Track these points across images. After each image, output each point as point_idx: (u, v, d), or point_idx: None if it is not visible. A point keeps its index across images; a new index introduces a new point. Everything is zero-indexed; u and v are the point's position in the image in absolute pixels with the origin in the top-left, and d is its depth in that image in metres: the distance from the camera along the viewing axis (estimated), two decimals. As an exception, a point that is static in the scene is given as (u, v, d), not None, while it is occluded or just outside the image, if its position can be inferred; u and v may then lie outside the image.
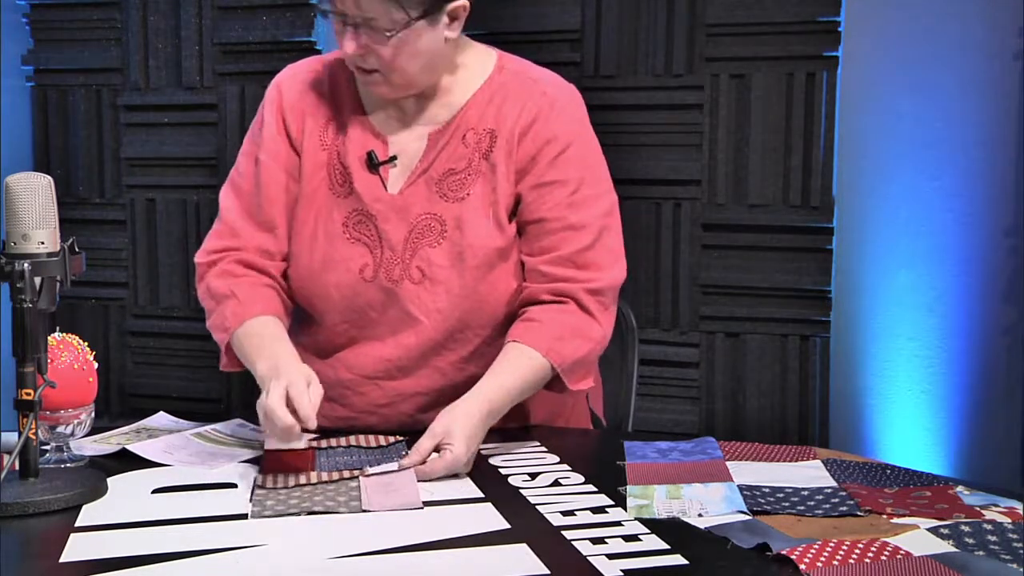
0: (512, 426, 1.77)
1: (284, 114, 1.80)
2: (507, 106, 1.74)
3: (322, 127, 1.78)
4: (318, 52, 3.05)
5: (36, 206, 1.43)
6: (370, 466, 1.56)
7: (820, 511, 1.38)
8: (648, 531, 1.32)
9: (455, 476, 1.54)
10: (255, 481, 1.51)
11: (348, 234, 1.75)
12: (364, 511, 1.40)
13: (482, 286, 1.72)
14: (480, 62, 1.78)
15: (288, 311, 1.79)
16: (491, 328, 1.74)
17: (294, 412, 1.51)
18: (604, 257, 1.74)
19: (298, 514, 1.39)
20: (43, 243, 1.43)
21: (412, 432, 1.61)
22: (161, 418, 1.86)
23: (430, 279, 1.72)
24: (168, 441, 1.69)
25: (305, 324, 1.82)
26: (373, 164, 1.75)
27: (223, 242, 1.78)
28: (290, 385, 1.53)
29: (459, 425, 1.56)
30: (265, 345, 1.67)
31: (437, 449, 1.55)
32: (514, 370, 1.66)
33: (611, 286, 1.74)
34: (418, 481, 1.51)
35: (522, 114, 1.74)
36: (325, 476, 1.53)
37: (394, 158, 1.75)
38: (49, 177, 1.46)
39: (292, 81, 1.82)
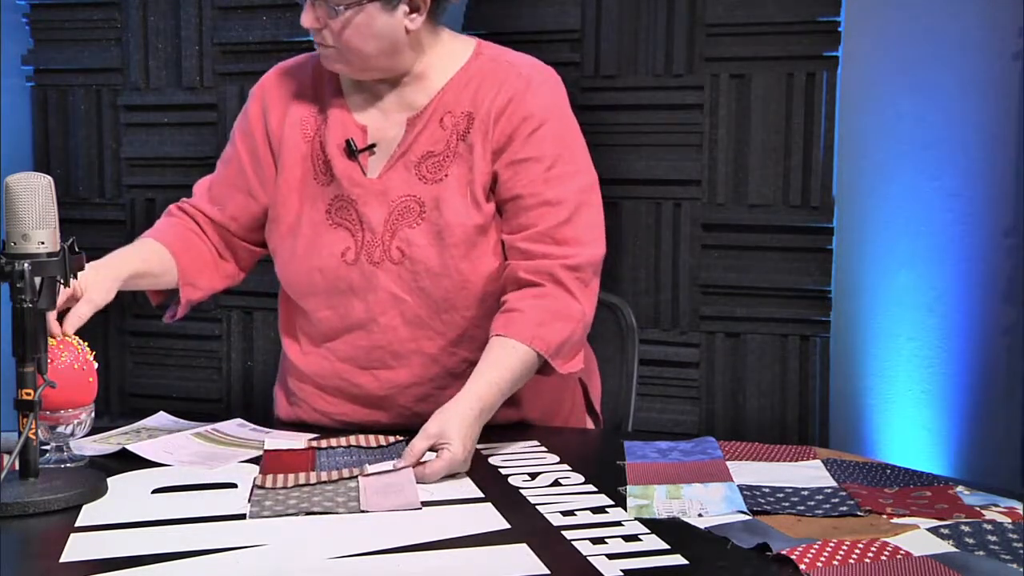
0: (507, 420, 1.78)
1: (265, 107, 1.86)
2: (484, 88, 1.76)
3: (304, 118, 1.83)
4: (318, 52, 3.04)
5: (36, 206, 1.43)
6: (370, 465, 1.56)
7: (820, 511, 1.38)
8: (648, 531, 1.32)
9: (454, 476, 1.54)
10: (255, 481, 1.51)
11: (331, 220, 1.78)
12: (363, 511, 1.40)
13: (463, 264, 1.73)
14: (458, 49, 1.81)
15: (193, 248, 1.87)
16: (475, 308, 1.75)
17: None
18: (582, 233, 1.74)
19: (296, 515, 1.39)
20: (43, 243, 1.43)
21: (413, 431, 1.61)
22: (161, 418, 1.86)
23: (410, 259, 1.74)
24: (168, 441, 1.69)
25: (300, 313, 1.85)
26: (352, 151, 1.77)
27: (189, 198, 1.92)
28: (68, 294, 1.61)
29: (453, 424, 1.56)
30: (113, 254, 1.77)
31: (433, 450, 1.55)
32: (501, 364, 1.66)
33: (590, 262, 1.74)
34: (418, 483, 1.51)
35: (498, 95, 1.75)
36: (325, 476, 1.53)
37: (373, 146, 1.78)
38: (49, 177, 1.46)
39: (278, 75, 1.88)
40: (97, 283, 1.65)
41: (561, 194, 1.73)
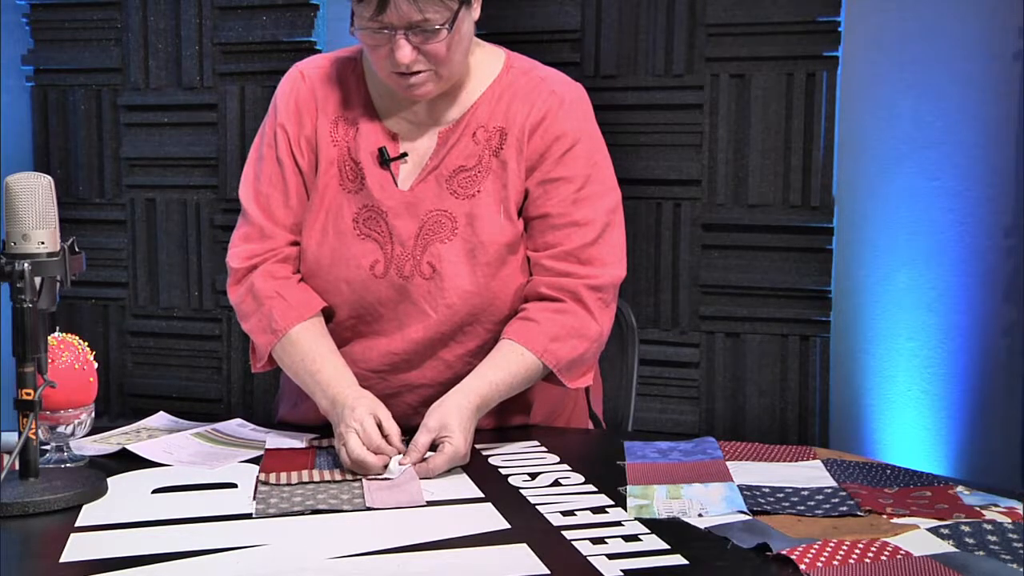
0: (513, 424, 1.79)
1: (300, 108, 1.79)
2: (516, 104, 1.75)
3: (332, 123, 1.79)
4: (318, 52, 3.04)
5: (36, 206, 1.43)
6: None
7: (820, 511, 1.38)
8: (648, 531, 1.32)
9: (455, 472, 1.55)
10: (258, 477, 1.51)
11: (358, 230, 1.75)
12: (368, 508, 1.40)
13: (494, 283, 1.72)
14: (489, 61, 1.79)
15: (315, 298, 1.78)
16: (499, 323, 1.75)
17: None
18: (607, 253, 1.75)
19: (302, 512, 1.39)
20: (43, 243, 1.43)
21: (412, 430, 1.61)
22: (161, 418, 1.86)
23: (440, 274, 1.72)
24: (168, 441, 1.69)
25: None
26: (385, 160, 1.75)
27: (257, 245, 1.78)
28: (363, 431, 1.57)
29: (453, 418, 1.57)
30: (320, 368, 1.69)
31: (434, 445, 1.56)
32: (504, 366, 1.67)
33: (612, 283, 1.75)
34: (421, 479, 1.51)
35: (532, 112, 1.75)
36: (328, 475, 1.53)
37: (405, 154, 1.76)
38: (49, 177, 1.46)
39: (305, 76, 1.81)
40: (366, 399, 1.64)
41: (589, 215, 1.73)
